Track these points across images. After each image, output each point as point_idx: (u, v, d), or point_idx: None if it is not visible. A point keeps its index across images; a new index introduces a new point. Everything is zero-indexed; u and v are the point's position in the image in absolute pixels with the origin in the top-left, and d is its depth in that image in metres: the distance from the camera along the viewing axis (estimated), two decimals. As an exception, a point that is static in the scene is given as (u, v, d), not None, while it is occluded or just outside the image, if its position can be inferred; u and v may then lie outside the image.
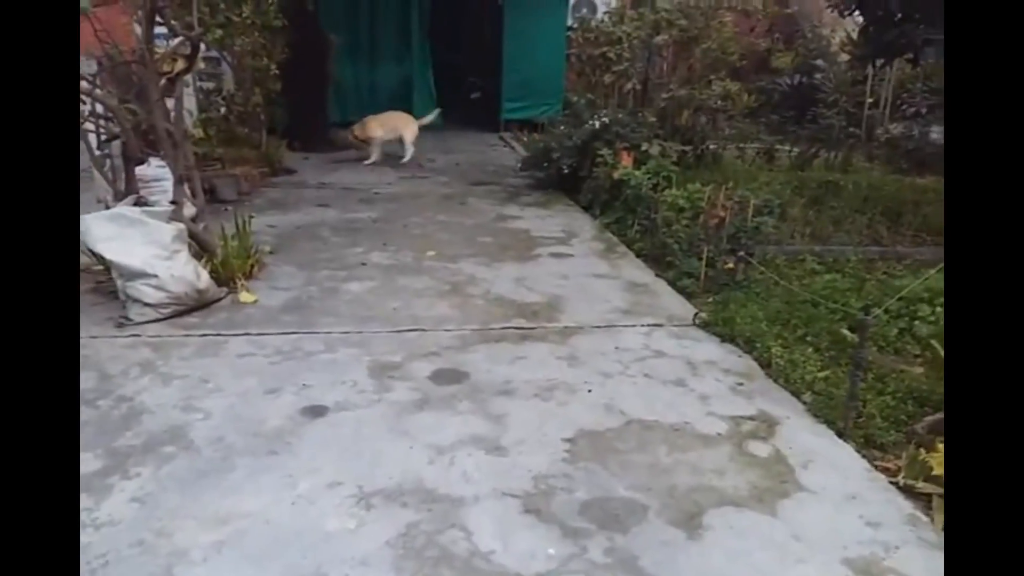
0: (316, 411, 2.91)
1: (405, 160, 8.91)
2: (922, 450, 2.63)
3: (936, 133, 10.66)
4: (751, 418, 2.96)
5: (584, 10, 13.13)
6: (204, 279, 4.00)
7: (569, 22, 12.17)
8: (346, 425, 2.81)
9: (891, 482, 2.57)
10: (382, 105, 11.97)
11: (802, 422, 2.96)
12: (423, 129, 12.18)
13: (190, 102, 8.38)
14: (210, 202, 6.42)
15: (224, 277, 4.29)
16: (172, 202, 4.19)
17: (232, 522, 2.23)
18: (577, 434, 2.77)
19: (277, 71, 7.58)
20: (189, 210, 4.70)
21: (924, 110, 10.74)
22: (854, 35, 10.44)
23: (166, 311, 3.81)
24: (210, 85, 8.38)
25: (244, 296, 4.17)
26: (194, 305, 3.93)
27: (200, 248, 4.38)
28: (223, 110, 8.02)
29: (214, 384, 3.13)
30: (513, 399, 3.05)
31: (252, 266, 4.57)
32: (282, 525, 2.23)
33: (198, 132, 7.60)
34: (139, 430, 2.75)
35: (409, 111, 12.09)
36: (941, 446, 2.54)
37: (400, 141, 9.18)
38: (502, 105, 12.49)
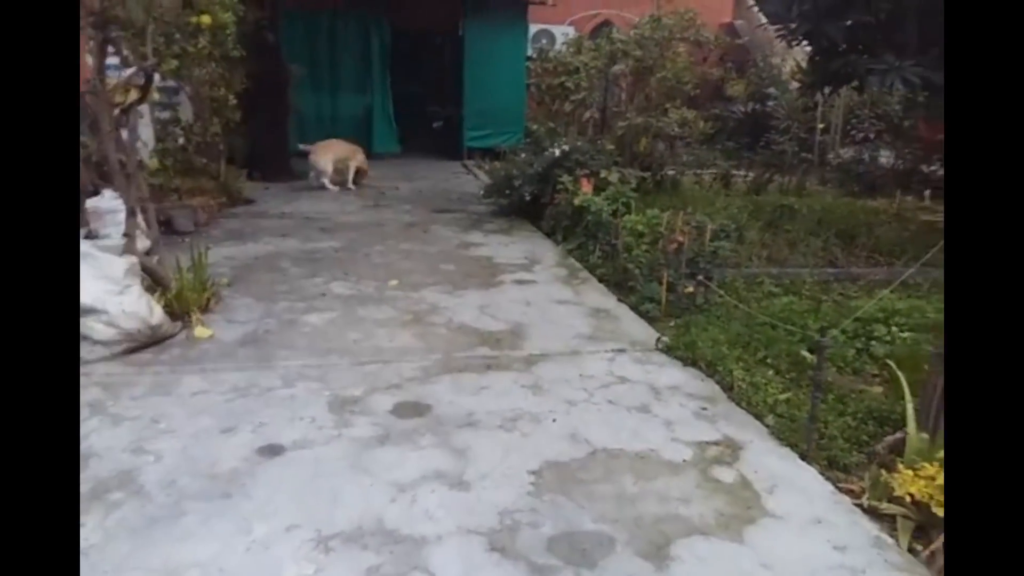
0: (273, 450, 2.82)
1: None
2: (883, 471, 2.65)
3: (884, 157, 11.07)
4: (716, 443, 2.96)
5: (544, 40, 13.38)
6: (157, 314, 3.88)
7: (529, 52, 12.38)
8: (304, 464, 2.72)
9: (855, 504, 2.58)
10: (343, 134, 12.01)
11: (766, 445, 2.97)
12: (385, 158, 12.26)
13: (147, 132, 8.25)
14: (166, 234, 6.30)
15: (179, 311, 4.17)
16: (124, 235, 4.07)
17: (183, 572, 2.12)
18: (542, 466, 2.73)
19: (236, 101, 7.49)
20: (143, 243, 4.57)
21: (872, 135, 11.15)
22: (803, 64, 10.85)
23: (118, 348, 3.67)
24: (167, 115, 8.27)
25: (199, 331, 4.05)
26: (147, 341, 3.80)
27: (154, 282, 4.25)
28: (181, 140, 7.90)
29: (166, 425, 3.01)
30: (477, 431, 3.00)
31: (208, 299, 4.46)
32: (236, 573, 2.13)
33: (154, 163, 7.47)
34: (86, 476, 2.62)
35: (369, 140, 12.18)
36: (901, 466, 2.56)
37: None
38: (464, 133, 12.60)
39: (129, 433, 2.94)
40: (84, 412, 3.10)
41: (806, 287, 5.24)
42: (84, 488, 2.54)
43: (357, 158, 9.49)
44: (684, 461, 2.80)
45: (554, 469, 2.71)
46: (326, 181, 9.21)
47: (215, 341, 3.96)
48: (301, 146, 9.37)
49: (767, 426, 3.13)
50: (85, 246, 3.80)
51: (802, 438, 2.95)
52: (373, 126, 12.56)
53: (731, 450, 2.91)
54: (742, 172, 10.17)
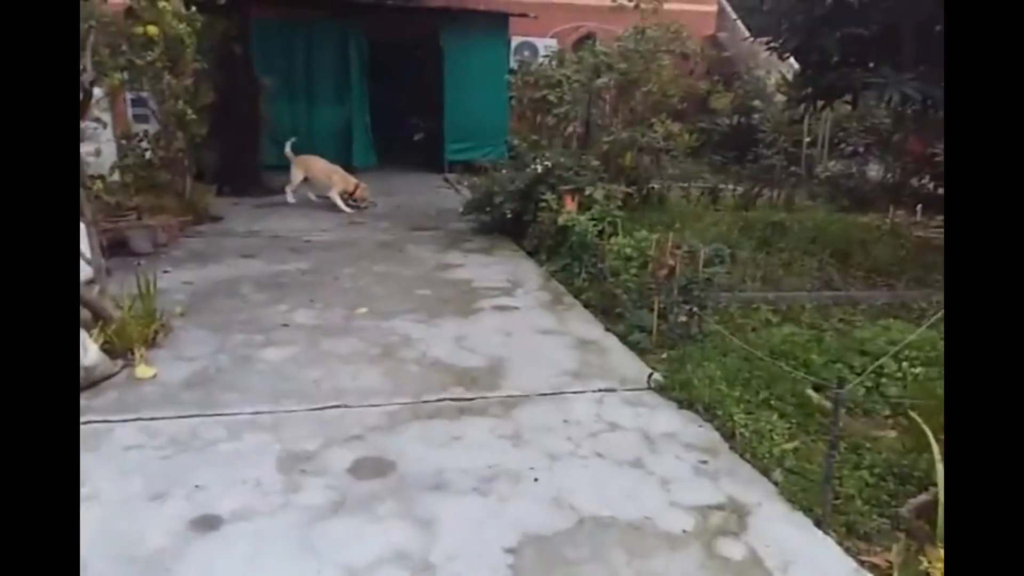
0: (208, 523, 2.42)
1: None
2: (912, 542, 2.31)
3: (874, 171, 10.87)
4: (719, 507, 2.60)
5: (526, 52, 13.11)
6: (92, 354, 3.47)
7: (512, 65, 12.08)
8: (241, 542, 2.32)
9: (881, 583, 2.24)
10: (321, 147, 11.62)
11: (775, 508, 2.62)
12: (363, 171, 11.84)
13: (109, 148, 7.81)
14: (122, 256, 5.88)
15: (120, 348, 3.76)
16: (56, 265, 3.65)
17: None
18: (521, 541, 2.35)
19: (197, 115, 7.07)
20: (84, 271, 4.17)
21: (861, 148, 10.95)
22: (789, 77, 10.63)
23: (43, 394, 3.25)
24: (140, 128, 7.86)
25: (141, 370, 3.64)
26: (81, 385, 3.39)
27: (93, 316, 3.84)
28: (148, 154, 7.47)
29: (90, 488, 2.60)
30: (446, 496, 2.62)
31: (156, 333, 4.05)
32: None
33: (114, 178, 7.05)
34: (-19, 559, 2.21)
35: (348, 152, 11.79)
36: (935, 547, 2.22)
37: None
38: (445, 146, 12.25)
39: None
40: (-5, 473, 2.69)
41: (805, 313, 4.92)
42: (-24, 577, 2.13)
43: (333, 179, 8.75)
44: (684, 532, 2.44)
45: (535, 545, 2.34)
46: (289, 192, 8.82)
47: (158, 382, 3.56)
48: (287, 150, 8.91)
49: (775, 483, 2.78)
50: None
51: (816, 499, 2.61)
52: (352, 139, 12.19)
53: (737, 516, 2.55)
54: (730, 186, 9.91)
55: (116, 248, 5.88)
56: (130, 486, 2.64)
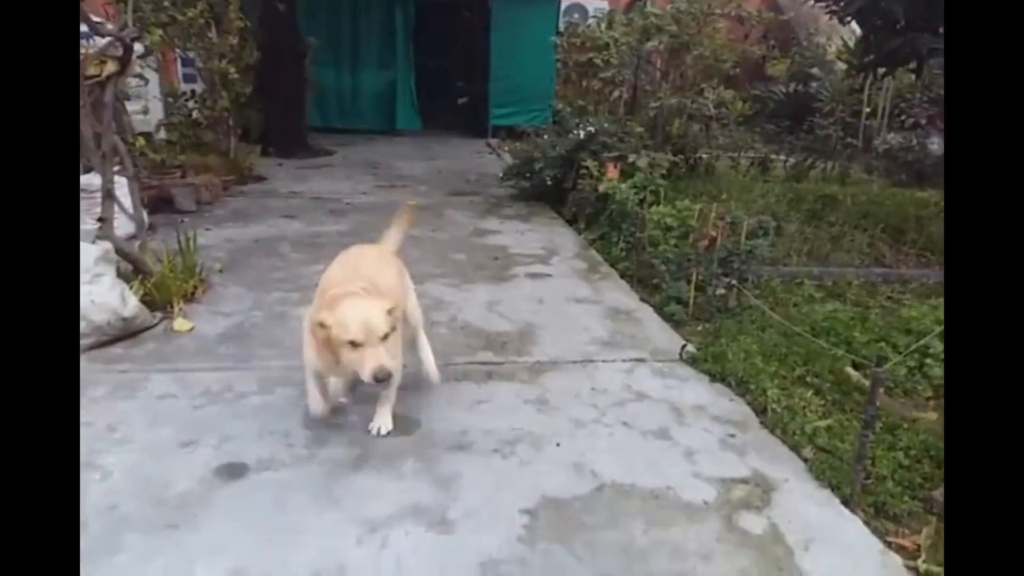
0: (234, 471, 2.48)
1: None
2: (943, 526, 2.22)
3: (936, 144, 10.34)
4: (744, 481, 2.54)
5: (575, 15, 12.79)
6: (132, 305, 3.57)
7: (560, 27, 11.84)
8: (266, 490, 2.37)
9: (908, 566, 2.16)
10: (365, 110, 11.62)
11: (802, 486, 2.55)
12: (406, 135, 11.81)
13: (156, 106, 7.97)
14: (167, 212, 6.02)
15: (159, 301, 3.86)
16: (99, 219, 3.75)
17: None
18: (539, 503, 2.34)
19: (240, 75, 7.13)
20: (127, 227, 4.28)
21: (924, 121, 10.42)
22: (851, 43, 10.13)
23: (85, 342, 3.37)
24: (188, 88, 8.00)
25: (179, 323, 3.73)
26: (119, 335, 3.50)
27: (134, 269, 3.94)
28: (194, 113, 7.59)
29: (122, 434, 2.70)
30: (468, 456, 2.62)
31: (195, 288, 4.14)
32: (164, 632, 1.80)
33: (160, 136, 7.21)
34: (21, 494, 2.31)
35: (392, 116, 11.76)
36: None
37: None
38: (490, 111, 12.14)
39: (80, 442, 2.62)
40: (39, 415, 2.80)
41: (851, 290, 4.74)
42: (15, 511, 2.23)
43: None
44: (706, 504, 2.39)
45: (552, 508, 2.33)
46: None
47: (195, 335, 3.64)
48: None
49: (804, 460, 2.70)
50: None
51: (845, 479, 2.53)
52: (396, 102, 12.18)
53: (762, 491, 2.49)
54: (782, 157, 9.58)
55: (161, 205, 6.03)
56: (161, 433, 2.71)
